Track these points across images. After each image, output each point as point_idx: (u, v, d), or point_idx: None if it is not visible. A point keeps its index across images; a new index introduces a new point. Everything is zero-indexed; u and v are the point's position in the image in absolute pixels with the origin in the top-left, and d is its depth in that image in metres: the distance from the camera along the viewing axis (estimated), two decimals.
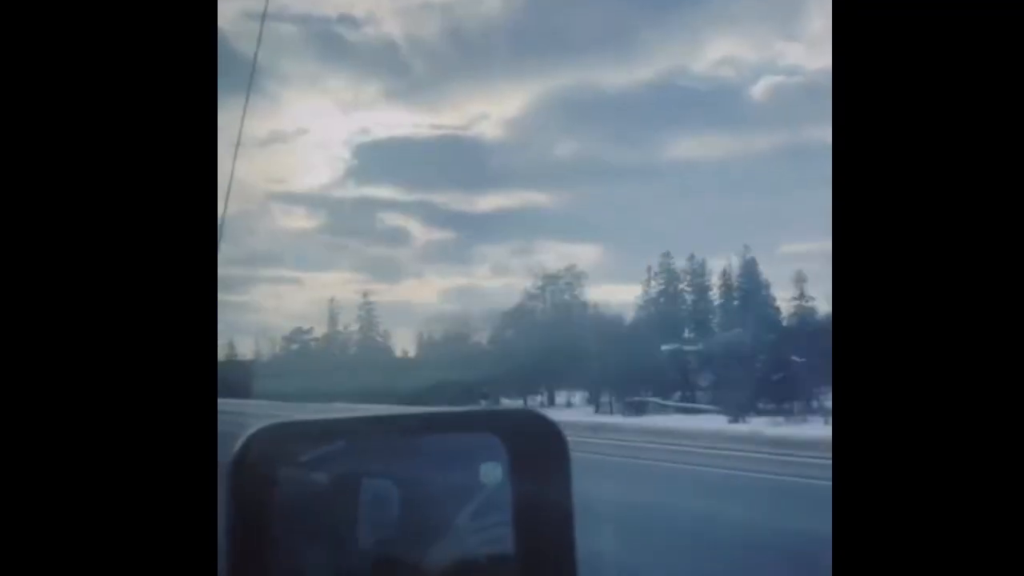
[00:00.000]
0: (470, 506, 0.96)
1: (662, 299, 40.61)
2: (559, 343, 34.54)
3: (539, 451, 0.94)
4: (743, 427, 19.88)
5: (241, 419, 0.97)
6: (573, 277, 41.19)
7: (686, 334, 38.23)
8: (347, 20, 65.60)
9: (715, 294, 40.68)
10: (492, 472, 0.95)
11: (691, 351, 35.16)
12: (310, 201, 65.06)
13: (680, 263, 41.23)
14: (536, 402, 34.53)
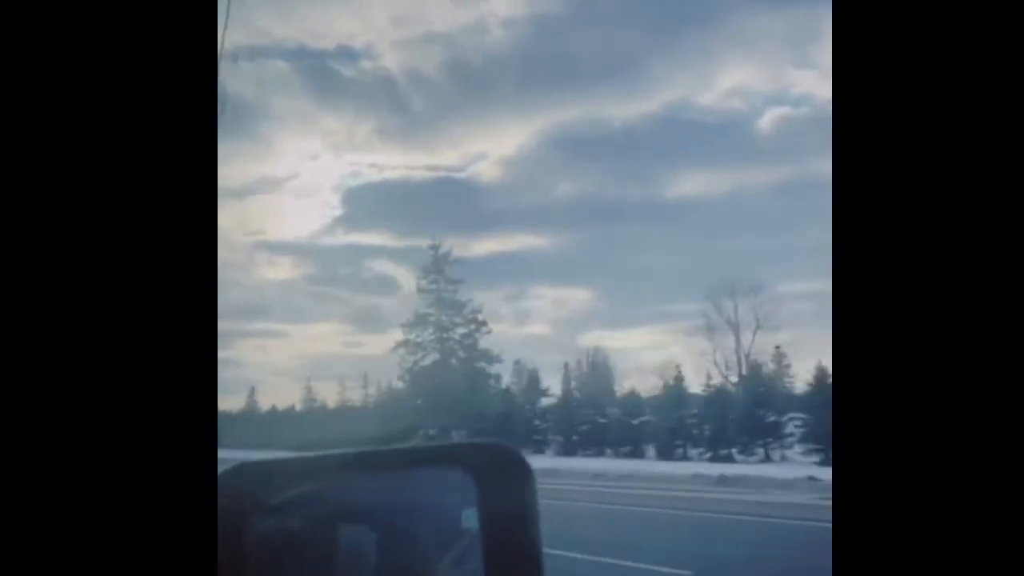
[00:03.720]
0: (440, 540, 0.96)
1: None
2: None
3: (506, 482, 0.95)
4: None
5: None
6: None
7: None
8: (344, 54, 64.50)
9: None
10: (468, 511, 0.96)
11: None
12: (298, 250, 64.28)
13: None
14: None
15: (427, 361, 41.00)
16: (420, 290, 41.21)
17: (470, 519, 0.95)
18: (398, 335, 41.27)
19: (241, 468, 0.87)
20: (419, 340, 41.39)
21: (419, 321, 41.49)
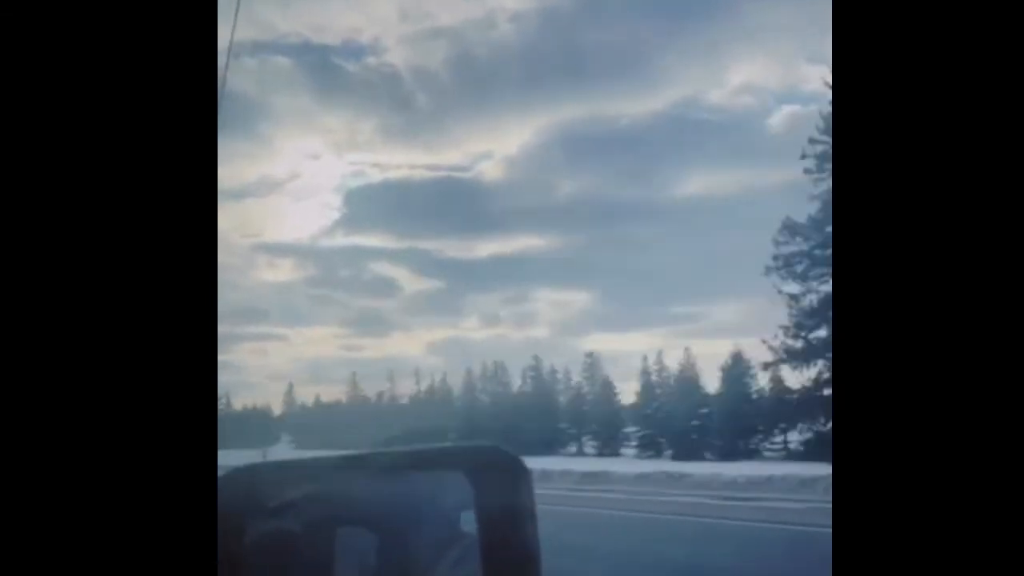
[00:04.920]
0: (438, 542, 0.96)
1: None
2: None
3: (504, 485, 0.96)
4: None
5: None
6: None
7: None
8: (349, 49, 63.23)
9: None
10: (467, 512, 0.96)
11: None
12: (297, 252, 63.55)
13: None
14: None
15: None
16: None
17: (468, 521, 0.96)
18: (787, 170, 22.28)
19: (241, 472, 0.87)
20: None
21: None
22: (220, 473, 0.90)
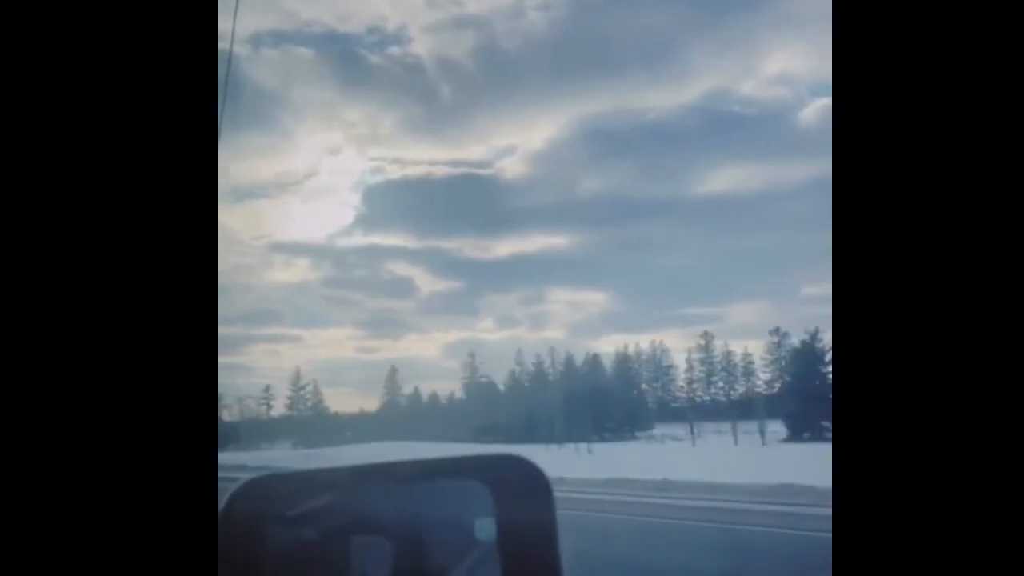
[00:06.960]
0: (456, 551, 0.95)
1: None
2: None
3: (524, 495, 0.95)
4: None
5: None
6: None
7: None
8: (372, 39, 61.83)
9: None
10: (481, 520, 0.95)
11: None
12: (314, 252, 62.27)
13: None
14: None
15: None
16: None
17: (482, 529, 0.95)
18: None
19: (258, 481, 0.87)
20: None
21: None
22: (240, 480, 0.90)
